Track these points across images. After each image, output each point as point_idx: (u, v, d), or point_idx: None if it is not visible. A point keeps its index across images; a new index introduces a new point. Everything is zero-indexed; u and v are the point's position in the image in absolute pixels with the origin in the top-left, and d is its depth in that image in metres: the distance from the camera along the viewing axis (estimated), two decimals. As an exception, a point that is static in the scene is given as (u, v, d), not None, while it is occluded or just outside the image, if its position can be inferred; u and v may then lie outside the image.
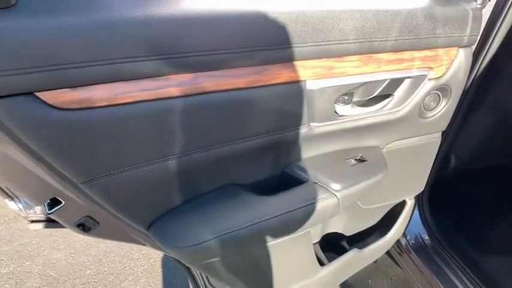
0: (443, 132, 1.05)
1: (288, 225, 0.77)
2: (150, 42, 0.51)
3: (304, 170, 0.83)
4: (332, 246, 1.18)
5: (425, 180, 1.15)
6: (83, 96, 0.49)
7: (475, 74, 1.04)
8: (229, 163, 0.72)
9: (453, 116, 1.08)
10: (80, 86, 0.49)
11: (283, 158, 0.81)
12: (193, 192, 0.72)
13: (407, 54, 0.76)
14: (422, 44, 0.76)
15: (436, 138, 1.02)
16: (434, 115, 0.92)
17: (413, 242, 1.40)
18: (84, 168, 0.55)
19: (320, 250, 1.12)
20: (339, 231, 1.16)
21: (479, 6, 0.80)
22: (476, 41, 0.83)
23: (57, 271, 1.82)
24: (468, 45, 0.83)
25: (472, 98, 1.09)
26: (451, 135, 1.17)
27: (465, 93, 1.06)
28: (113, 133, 0.54)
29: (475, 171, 1.41)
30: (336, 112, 0.77)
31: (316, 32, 0.63)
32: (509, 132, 1.30)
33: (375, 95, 0.81)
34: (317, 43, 0.64)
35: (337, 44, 0.66)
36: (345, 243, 1.20)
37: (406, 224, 1.27)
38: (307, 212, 0.77)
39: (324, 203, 0.78)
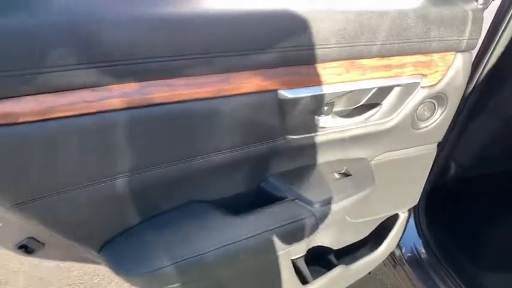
0: (442, 141, 0.97)
1: (259, 249, 0.70)
2: (85, 48, 0.44)
3: (281, 186, 0.76)
4: (318, 260, 1.11)
5: (420, 193, 1.07)
6: (6, 110, 0.43)
7: (477, 80, 0.95)
8: (193, 180, 0.65)
9: (453, 123, 0.99)
10: (2, 98, 0.42)
11: (258, 173, 0.74)
12: (151, 212, 0.65)
13: (396, 60, 0.68)
14: (413, 48, 0.68)
15: (431, 150, 0.94)
16: (428, 125, 0.84)
17: (409, 254, 1.32)
18: (15, 190, 0.48)
19: (304, 265, 1.05)
20: (326, 245, 1.09)
21: (481, 6, 0.71)
22: (476, 45, 0.75)
23: (43, 272, 1.78)
24: (467, 50, 0.75)
25: (474, 104, 1.00)
26: (451, 143, 1.08)
27: (466, 99, 0.98)
28: (45, 151, 0.47)
29: (476, 182, 1.32)
30: (315, 123, 0.69)
31: (289, 35, 0.56)
32: None
33: (360, 104, 0.73)
34: (290, 48, 0.57)
35: (313, 48, 0.59)
36: (332, 257, 1.13)
37: (399, 238, 1.19)
38: (280, 233, 0.70)
39: (300, 223, 0.71)
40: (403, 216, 1.12)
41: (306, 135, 0.70)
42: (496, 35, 0.87)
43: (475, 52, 0.92)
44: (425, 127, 0.84)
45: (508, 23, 0.83)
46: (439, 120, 0.83)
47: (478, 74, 0.94)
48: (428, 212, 1.28)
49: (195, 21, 0.50)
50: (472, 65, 0.93)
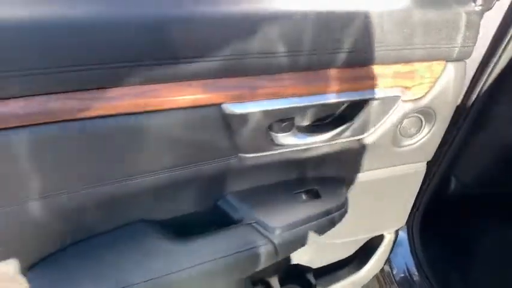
0: (440, 157, 0.87)
1: (205, 280, 0.63)
2: None
3: (239, 206, 0.68)
4: (295, 279, 1.02)
5: (407, 214, 0.97)
6: None
7: (479, 92, 0.83)
8: (134, 200, 0.58)
9: (452, 138, 0.88)
10: None
11: (211, 193, 0.66)
12: (85, 234, 0.58)
13: (369, 70, 0.58)
14: (391, 56, 0.58)
15: (419, 169, 0.83)
16: (414, 143, 0.73)
17: (401, 275, 1.22)
18: None
19: (278, 285, 0.97)
20: (304, 263, 1.01)
21: (479, 8, 0.60)
22: (471, 53, 0.64)
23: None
24: (460, 59, 0.64)
25: (475, 119, 0.88)
26: (448, 160, 0.97)
27: (467, 112, 0.86)
28: None
29: (475, 201, 1.19)
30: (272, 141, 0.61)
31: (231, 40, 0.47)
32: None
33: (328, 120, 0.64)
34: (233, 56, 0.48)
35: (262, 57, 0.50)
36: (310, 277, 1.04)
37: (384, 260, 1.09)
38: (230, 263, 0.62)
39: (254, 251, 0.63)
40: (388, 237, 1.02)
41: (262, 153, 0.61)
42: (502, 42, 0.75)
43: (477, 61, 0.81)
44: (410, 145, 0.73)
45: None
46: (426, 137, 0.73)
47: (481, 86, 0.82)
48: (423, 231, 1.17)
49: (115, 25, 0.42)
50: (474, 75, 0.82)
